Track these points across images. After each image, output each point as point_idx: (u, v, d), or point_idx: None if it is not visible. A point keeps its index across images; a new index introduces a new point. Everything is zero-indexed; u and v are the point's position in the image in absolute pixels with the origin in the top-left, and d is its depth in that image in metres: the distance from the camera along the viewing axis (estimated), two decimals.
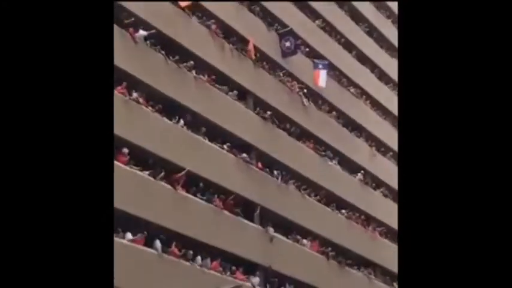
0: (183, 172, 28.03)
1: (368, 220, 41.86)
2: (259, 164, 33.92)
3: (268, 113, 35.11)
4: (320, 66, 38.83)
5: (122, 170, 25.39)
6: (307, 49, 39.80)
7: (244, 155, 32.78)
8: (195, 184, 29.65)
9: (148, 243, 26.39)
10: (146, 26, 28.62)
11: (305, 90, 38.53)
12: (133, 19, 28.11)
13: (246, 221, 31.96)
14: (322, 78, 38.69)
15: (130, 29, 27.79)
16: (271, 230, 32.88)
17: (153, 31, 28.63)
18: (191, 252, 28.15)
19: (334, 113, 41.08)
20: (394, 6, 48.62)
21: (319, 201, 37.53)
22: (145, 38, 28.51)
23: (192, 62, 30.79)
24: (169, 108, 29.28)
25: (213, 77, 32.03)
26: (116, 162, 25.08)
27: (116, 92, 25.90)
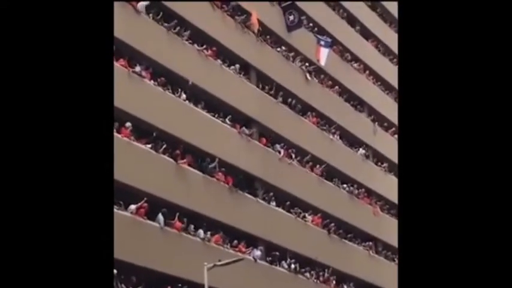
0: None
1: (370, 195, 41.93)
2: (262, 139, 33.92)
3: (270, 87, 35.03)
4: (322, 42, 38.41)
5: (124, 143, 25.43)
6: (310, 24, 39.59)
7: (246, 129, 32.77)
8: (197, 158, 29.68)
9: (151, 216, 26.47)
10: None
11: (307, 65, 38.43)
12: None
13: (248, 195, 32.03)
14: (323, 55, 38.31)
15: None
16: None
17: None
18: (200, 230, 28.32)
19: (336, 87, 40.99)
20: None
21: (321, 175, 37.56)
22: (147, 8, 28.39)
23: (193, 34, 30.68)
24: (172, 82, 29.22)
25: (214, 48, 31.87)
26: (118, 136, 25.10)
27: (118, 65, 25.84)
